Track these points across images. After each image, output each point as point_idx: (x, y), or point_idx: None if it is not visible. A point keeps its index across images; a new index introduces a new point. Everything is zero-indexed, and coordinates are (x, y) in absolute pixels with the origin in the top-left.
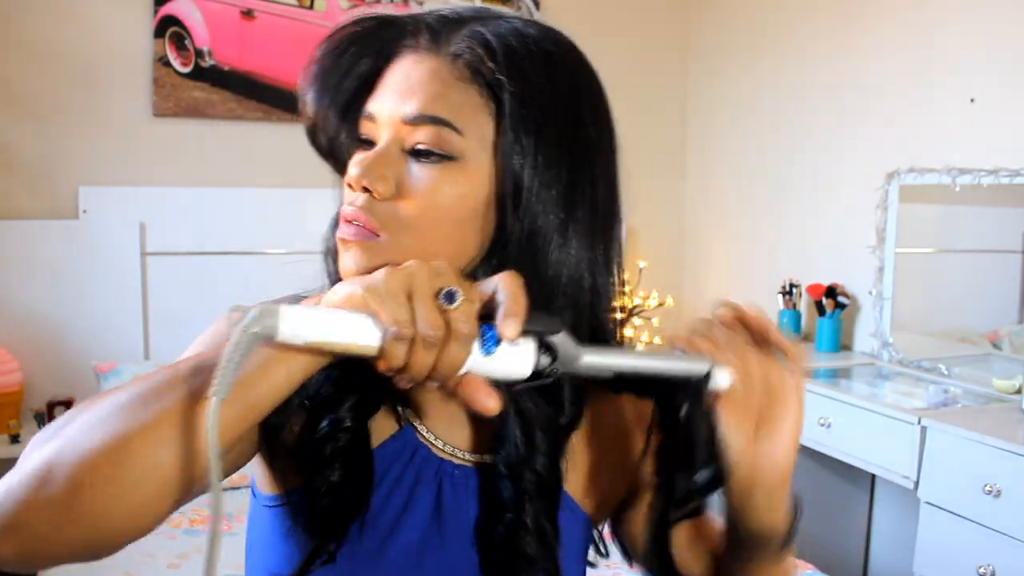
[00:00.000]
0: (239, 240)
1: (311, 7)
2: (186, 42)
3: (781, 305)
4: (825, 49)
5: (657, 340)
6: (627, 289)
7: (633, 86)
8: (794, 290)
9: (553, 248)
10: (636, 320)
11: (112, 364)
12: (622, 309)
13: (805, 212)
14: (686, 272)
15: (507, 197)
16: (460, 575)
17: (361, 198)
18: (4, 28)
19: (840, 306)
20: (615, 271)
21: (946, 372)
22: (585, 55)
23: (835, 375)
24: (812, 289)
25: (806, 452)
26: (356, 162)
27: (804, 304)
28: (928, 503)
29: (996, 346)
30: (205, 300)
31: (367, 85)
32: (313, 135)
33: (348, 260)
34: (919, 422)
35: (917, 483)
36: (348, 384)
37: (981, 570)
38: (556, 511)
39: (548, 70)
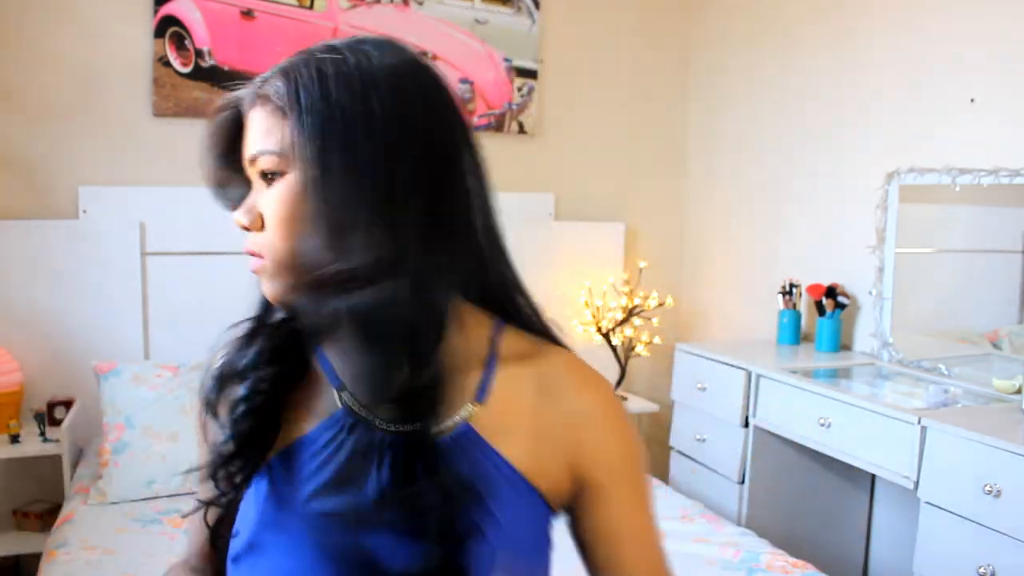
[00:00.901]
0: (239, 240)
1: (311, 7)
2: (186, 42)
3: (781, 305)
4: (825, 49)
5: (657, 340)
6: (627, 289)
7: (633, 86)
8: (794, 290)
9: (357, 232)
10: (636, 320)
11: (112, 364)
12: (622, 309)
13: (805, 212)
14: (686, 272)
15: (307, 190)
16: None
17: (248, 235)
18: (4, 28)
19: (840, 306)
20: (458, 246)
21: (946, 372)
22: (411, 73)
23: (835, 375)
24: (812, 289)
25: (806, 452)
26: (238, 214)
27: (804, 304)
28: (928, 503)
29: (996, 346)
30: (205, 300)
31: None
32: (218, 194)
33: (262, 290)
34: (919, 422)
35: (917, 483)
36: (272, 358)
37: (981, 570)
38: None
39: (338, 88)
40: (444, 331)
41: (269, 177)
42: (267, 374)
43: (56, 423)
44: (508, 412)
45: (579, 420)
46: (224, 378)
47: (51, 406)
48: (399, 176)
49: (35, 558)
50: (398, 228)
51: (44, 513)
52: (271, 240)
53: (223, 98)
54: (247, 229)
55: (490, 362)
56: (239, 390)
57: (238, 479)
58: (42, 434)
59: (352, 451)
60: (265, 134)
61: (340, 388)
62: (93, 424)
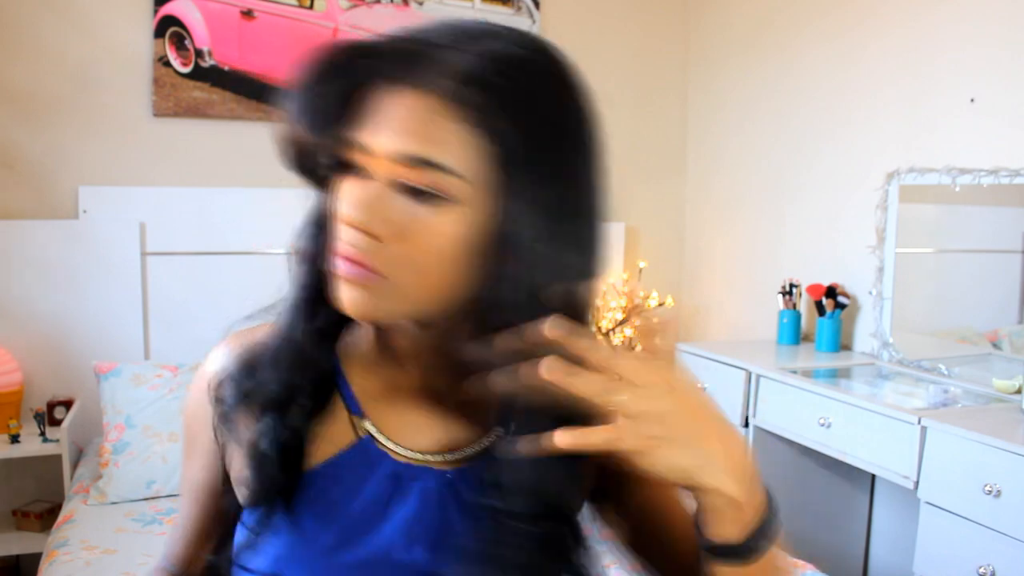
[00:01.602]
0: (239, 240)
1: (311, 7)
2: (186, 42)
3: (781, 305)
4: (825, 49)
5: (657, 340)
6: (626, 289)
7: (633, 86)
8: (794, 290)
9: (546, 278)
10: (636, 320)
11: (112, 364)
12: (622, 309)
13: (805, 212)
14: (686, 272)
15: (505, 235)
16: None
17: (360, 238)
18: (4, 28)
19: (840, 306)
20: (596, 274)
21: (946, 372)
22: (571, 65)
23: (835, 375)
24: (812, 289)
25: (806, 452)
26: (354, 201)
27: (804, 304)
28: (928, 503)
29: (996, 346)
30: (205, 300)
31: (346, 110)
32: (291, 154)
33: (351, 300)
34: (919, 422)
35: (917, 483)
36: (297, 386)
37: (981, 570)
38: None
39: (536, 100)
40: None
41: (421, 191)
42: (303, 406)
43: (56, 423)
44: None
45: None
46: (252, 403)
47: (51, 406)
48: (596, 223)
49: (35, 558)
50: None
51: (44, 513)
52: (414, 270)
53: (343, 43)
54: (366, 233)
55: None
56: (267, 420)
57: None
58: (42, 434)
59: (379, 487)
60: (442, 142)
61: (360, 416)
62: (93, 424)
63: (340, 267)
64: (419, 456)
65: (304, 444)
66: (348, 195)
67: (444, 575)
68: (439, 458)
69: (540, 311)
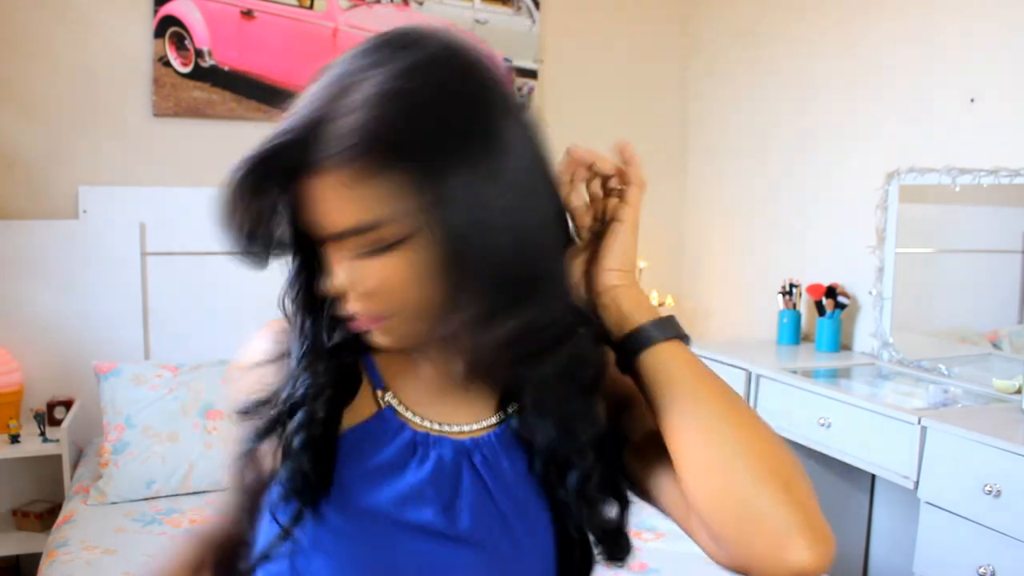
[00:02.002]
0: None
1: (311, 7)
2: (186, 42)
3: (781, 305)
4: (825, 49)
5: None
6: None
7: (633, 86)
8: (794, 290)
9: (512, 261)
10: None
11: (112, 364)
12: None
13: (805, 212)
14: (686, 272)
15: (455, 242)
16: (475, 548)
17: (353, 307)
18: (4, 28)
19: (840, 306)
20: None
21: (946, 372)
22: (460, 63)
23: (835, 375)
24: (812, 289)
25: (806, 452)
26: (331, 287)
27: (804, 304)
28: (928, 503)
29: (996, 346)
30: (205, 300)
31: (281, 203)
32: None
33: (377, 342)
34: (919, 422)
35: (917, 483)
36: (324, 379)
37: (981, 570)
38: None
39: (422, 118)
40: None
41: (373, 249)
42: (326, 399)
43: (56, 423)
44: None
45: None
46: (280, 411)
47: (51, 406)
48: (547, 207)
49: (35, 558)
50: (558, 270)
51: (44, 513)
52: (400, 308)
53: (245, 162)
54: (357, 296)
55: None
56: (295, 419)
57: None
58: (42, 434)
59: (398, 452)
60: (361, 207)
61: (383, 389)
62: (93, 424)
63: (354, 325)
64: (436, 427)
65: (336, 440)
66: (325, 282)
67: (449, 534)
68: (456, 429)
69: (517, 288)
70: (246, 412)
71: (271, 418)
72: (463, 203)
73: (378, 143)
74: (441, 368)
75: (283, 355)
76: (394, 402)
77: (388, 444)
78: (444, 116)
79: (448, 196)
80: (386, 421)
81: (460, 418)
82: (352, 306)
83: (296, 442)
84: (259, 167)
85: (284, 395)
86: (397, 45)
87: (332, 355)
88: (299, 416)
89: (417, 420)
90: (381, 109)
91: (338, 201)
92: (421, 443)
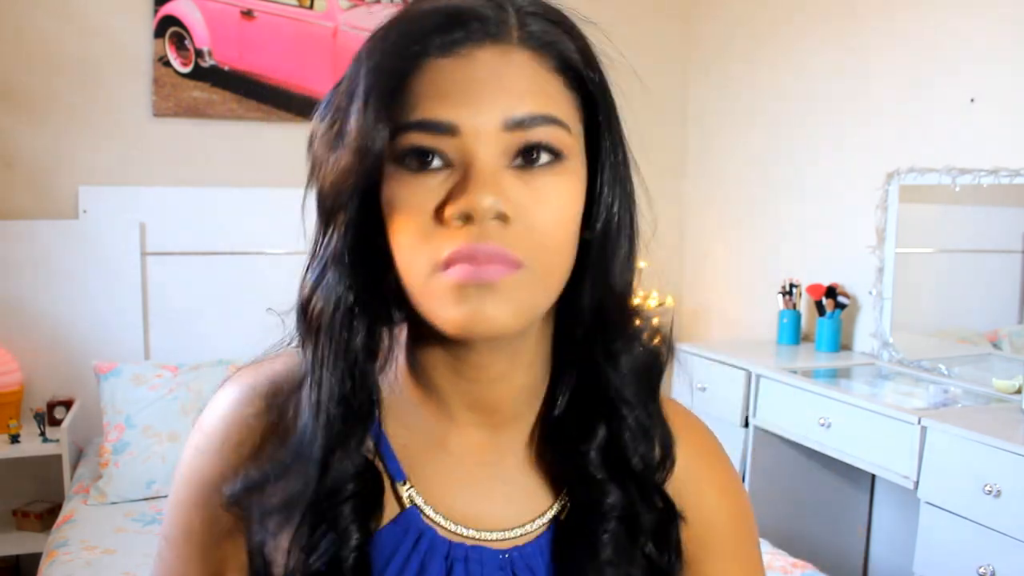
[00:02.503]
0: (239, 240)
1: (311, 7)
2: (186, 42)
3: (781, 305)
4: (825, 49)
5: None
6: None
7: (633, 86)
8: (794, 290)
9: (621, 253)
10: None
11: (112, 364)
12: None
13: (805, 212)
14: (686, 272)
15: (597, 196)
16: None
17: (488, 228)
18: (5, 28)
19: (840, 306)
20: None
21: (946, 372)
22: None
23: (835, 375)
24: (812, 289)
25: (806, 452)
26: (470, 187)
27: (804, 304)
28: (928, 503)
29: (996, 346)
30: (205, 300)
31: (398, 94)
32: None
33: (490, 308)
34: (919, 422)
35: (917, 483)
36: (342, 475)
37: (981, 570)
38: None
39: (588, 45)
40: None
41: (535, 157)
42: (353, 506)
43: (56, 423)
44: None
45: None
46: (285, 508)
47: (51, 406)
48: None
49: (35, 558)
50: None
51: (44, 513)
52: (551, 245)
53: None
54: (503, 219)
55: None
56: (316, 534)
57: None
58: (42, 434)
59: (427, 572)
60: (546, 96)
61: (404, 482)
62: (93, 424)
63: (461, 273)
64: (474, 534)
65: (369, 554)
66: (460, 187)
67: None
68: (496, 536)
69: (607, 292)
70: (236, 501)
71: (282, 516)
72: (614, 165)
73: (593, 60)
74: (474, 445)
75: (274, 427)
76: (419, 500)
77: (413, 560)
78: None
79: (610, 151)
80: (408, 527)
81: (503, 520)
82: (484, 234)
83: (319, 564)
84: (409, 25)
85: (297, 489)
86: None
87: (352, 426)
88: (326, 543)
89: (449, 525)
90: (569, 19)
91: (538, 82)
92: (456, 557)
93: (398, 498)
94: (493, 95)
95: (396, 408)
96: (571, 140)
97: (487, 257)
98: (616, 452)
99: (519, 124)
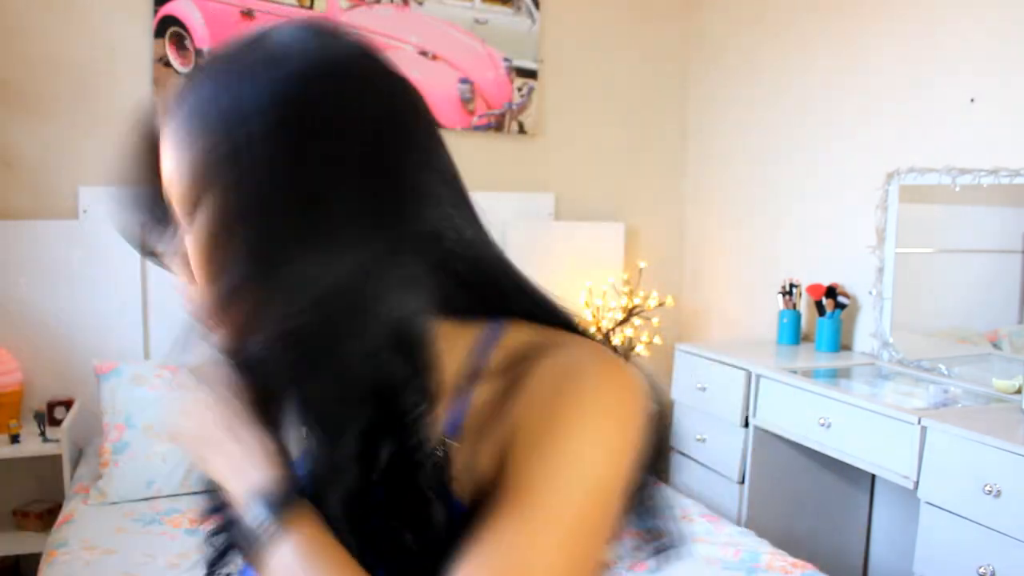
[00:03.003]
0: None
1: (311, 7)
2: (186, 42)
3: (781, 305)
4: (825, 49)
5: (657, 340)
6: (627, 289)
7: (633, 86)
8: (794, 290)
9: (281, 261)
10: (636, 320)
11: (112, 364)
12: (622, 309)
13: (805, 212)
14: (686, 272)
15: (220, 217)
16: None
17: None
18: (4, 28)
19: (840, 306)
20: (409, 279)
21: (946, 372)
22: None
23: (835, 375)
24: (812, 289)
25: (806, 452)
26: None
27: (804, 304)
28: (928, 503)
29: (996, 346)
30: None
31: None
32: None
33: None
34: (919, 422)
35: (917, 483)
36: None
37: (981, 570)
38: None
39: (220, 103)
40: (424, 365)
41: (187, 212)
42: None
43: (56, 423)
44: (480, 435)
45: (528, 399)
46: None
47: (51, 406)
48: (327, 186)
49: (35, 558)
50: (334, 248)
51: (44, 513)
52: (199, 271)
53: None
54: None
55: (469, 383)
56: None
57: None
58: (42, 434)
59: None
60: (168, 179)
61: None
62: (93, 424)
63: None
64: None
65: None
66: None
67: None
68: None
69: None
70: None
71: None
72: (237, 167)
73: (192, 113)
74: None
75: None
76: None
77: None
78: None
79: (225, 159)
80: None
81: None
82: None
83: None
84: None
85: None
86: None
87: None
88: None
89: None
90: (186, 98)
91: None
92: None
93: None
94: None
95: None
96: (196, 188)
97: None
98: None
99: (177, 206)
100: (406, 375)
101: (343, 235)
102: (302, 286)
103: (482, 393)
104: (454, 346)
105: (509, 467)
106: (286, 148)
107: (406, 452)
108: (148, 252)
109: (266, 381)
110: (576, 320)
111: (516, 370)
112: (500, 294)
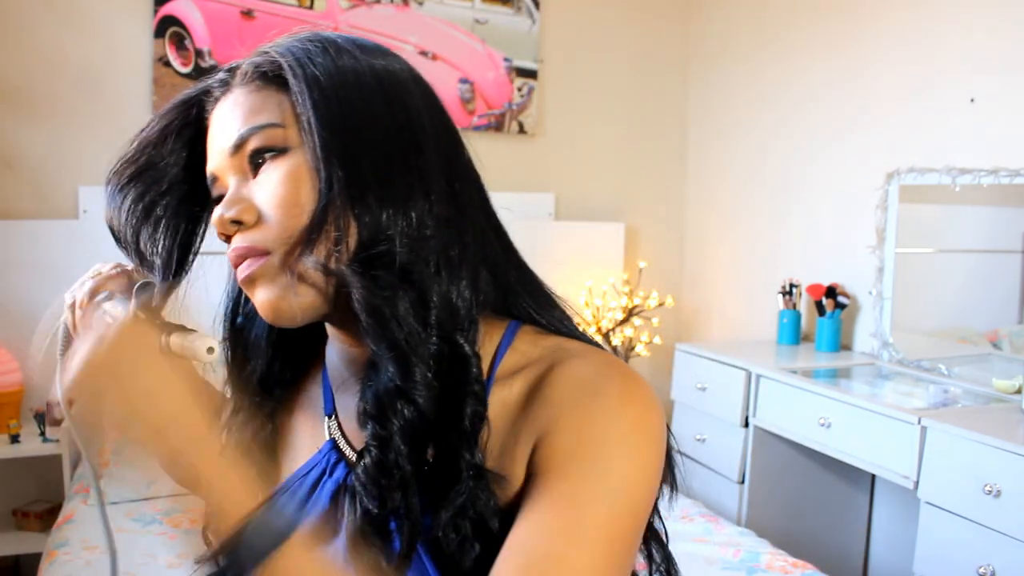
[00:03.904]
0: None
1: (311, 7)
2: (186, 42)
3: (781, 305)
4: (825, 49)
5: (657, 340)
6: (627, 289)
7: (633, 86)
8: (794, 290)
9: (370, 215)
10: (636, 320)
11: None
12: (622, 309)
13: (805, 212)
14: (686, 272)
15: (317, 164)
16: None
17: (233, 231)
18: (4, 28)
19: (840, 306)
20: (467, 265)
21: (946, 372)
22: (392, 62)
23: (835, 375)
24: (812, 289)
25: (806, 452)
26: (217, 209)
27: (804, 304)
28: (928, 503)
29: (996, 346)
30: (204, 299)
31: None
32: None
33: (262, 304)
34: (919, 422)
35: (917, 483)
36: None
37: (981, 570)
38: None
39: (326, 56)
40: (475, 349)
41: (260, 161)
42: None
43: (56, 423)
44: (497, 437)
45: (551, 410)
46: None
47: (51, 406)
48: (416, 152)
49: (35, 558)
50: (425, 213)
51: (44, 513)
52: (277, 226)
53: (168, 107)
54: (238, 223)
55: (489, 378)
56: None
57: None
58: (42, 434)
59: (330, 498)
60: (253, 112)
61: (331, 415)
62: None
63: (238, 274)
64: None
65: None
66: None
67: None
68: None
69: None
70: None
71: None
72: (344, 116)
73: (271, 65)
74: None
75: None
76: (337, 433)
77: (326, 486)
78: (351, 76)
79: (334, 107)
80: (328, 456)
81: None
82: (238, 238)
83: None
84: (186, 106)
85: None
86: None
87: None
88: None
89: (350, 453)
90: (300, 43)
91: (242, 107)
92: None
93: (328, 431)
94: (220, 137)
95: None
96: (287, 132)
97: (237, 258)
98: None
99: (238, 146)
100: (464, 351)
101: (430, 200)
102: (398, 226)
103: (498, 393)
104: (484, 342)
105: (546, 475)
106: (406, 104)
107: (457, 417)
108: (134, 239)
109: (353, 298)
110: (585, 331)
111: (534, 375)
112: (527, 301)
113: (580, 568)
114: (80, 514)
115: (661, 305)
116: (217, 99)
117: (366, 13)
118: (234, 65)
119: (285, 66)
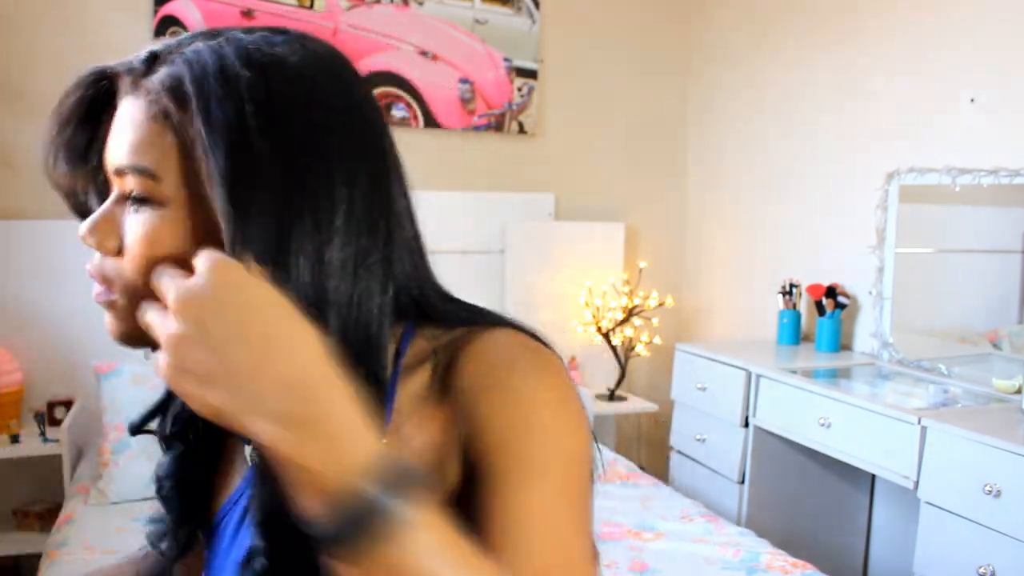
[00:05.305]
0: None
1: (311, 7)
2: None
3: (781, 305)
4: (825, 49)
5: (657, 340)
6: (627, 289)
7: (633, 86)
8: (794, 290)
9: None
10: (636, 320)
11: (112, 364)
12: (622, 309)
13: (805, 212)
14: (686, 272)
15: (206, 225)
16: None
17: (96, 255)
18: (5, 29)
19: (840, 306)
20: (386, 269)
21: (946, 372)
22: (314, 61)
23: (835, 375)
24: (812, 289)
25: (806, 452)
26: (86, 222)
27: (804, 304)
28: (928, 503)
29: (996, 346)
30: None
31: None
32: (70, 203)
33: (107, 324)
34: (919, 422)
35: (917, 483)
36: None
37: (981, 570)
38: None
39: (231, 95)
40: (383, 365)
41: (137, 200)
42: (186, 445)
43: (56, 423)
44: (409, 423)
45: (469, 395)
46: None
47: (51, 406)
48: (328, 203)
49: (35, 558)
50: (324, 257)
51: (44, 513)
52: (129, 272)
53: (89, 70)
54: (102, 249)
55: (393, 378)
56: (164, 463)
57: (180, 544)
58: (42, 434)
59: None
60: (139, 145)
61: (248, 441)
62: (93, 424)
63: (93, 288)
64: None
65: (209, 477)
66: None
67: None
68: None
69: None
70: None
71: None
72: (225, 189)
73: (186, 94)
74: None
75: None
76: (256, 459)
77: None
78: (261, 114)
79: (213, 182)
80: (251, 482)
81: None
82: (95, 262)
83: (166, 487)
84: (97, 79)
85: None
86: (280, 32)
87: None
88: (168, 457)
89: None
90: (204, 74)
91: (134, 132)
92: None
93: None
94: (112, 146)
95: None
96: (160, 187)
97: (93, 276)
98: None
99: (118, 172)
100: (372, 363)
101: (345, 225)
102: (306, 260)
103: (409, 382)
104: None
105: (491, 467)
106: (334, 139)
107: None
108: (78, 206)
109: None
110: (485, 309)
111: (441, 363)
112: (424, 298)
113: (565, 520)
114: (80, 514)
115: (661, 305)
116: (128, 89)
117: (366, 13)
118: (147, 58)
119: (172, 110)
